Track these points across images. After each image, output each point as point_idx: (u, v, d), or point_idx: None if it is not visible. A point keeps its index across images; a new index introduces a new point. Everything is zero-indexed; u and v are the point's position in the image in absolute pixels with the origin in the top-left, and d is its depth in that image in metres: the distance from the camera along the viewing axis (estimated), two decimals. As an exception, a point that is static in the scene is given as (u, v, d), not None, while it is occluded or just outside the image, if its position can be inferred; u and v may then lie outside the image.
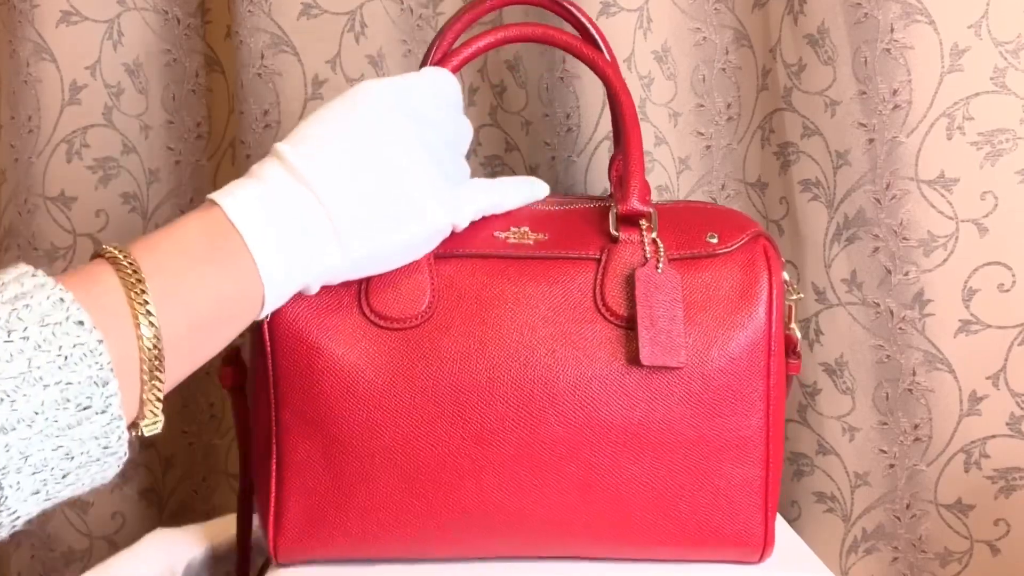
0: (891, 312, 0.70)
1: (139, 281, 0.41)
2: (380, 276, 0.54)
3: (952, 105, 0.67)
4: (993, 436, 0.69)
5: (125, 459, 0.40)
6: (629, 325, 0.54)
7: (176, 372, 0.44)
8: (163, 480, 0.86)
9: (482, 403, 0.54)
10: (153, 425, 0.42)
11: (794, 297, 0.58)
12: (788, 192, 0.75)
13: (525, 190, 0.60)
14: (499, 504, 0.55)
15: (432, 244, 0.53)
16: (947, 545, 0.71)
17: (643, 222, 0.57)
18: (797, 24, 0.72)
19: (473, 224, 0.57)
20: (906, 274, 0.70)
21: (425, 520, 0.55)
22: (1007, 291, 0.68)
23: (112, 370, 0.38)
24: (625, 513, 0.56)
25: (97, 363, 0.38)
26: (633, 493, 0.55)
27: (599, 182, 0.74)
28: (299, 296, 0.53)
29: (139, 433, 0.42)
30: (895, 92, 0.68)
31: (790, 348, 0.59)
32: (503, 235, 0.57)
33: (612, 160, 0.65)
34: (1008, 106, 0.67)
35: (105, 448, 0.39)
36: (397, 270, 0.54)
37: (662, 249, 0.56)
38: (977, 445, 0.70)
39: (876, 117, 0.69)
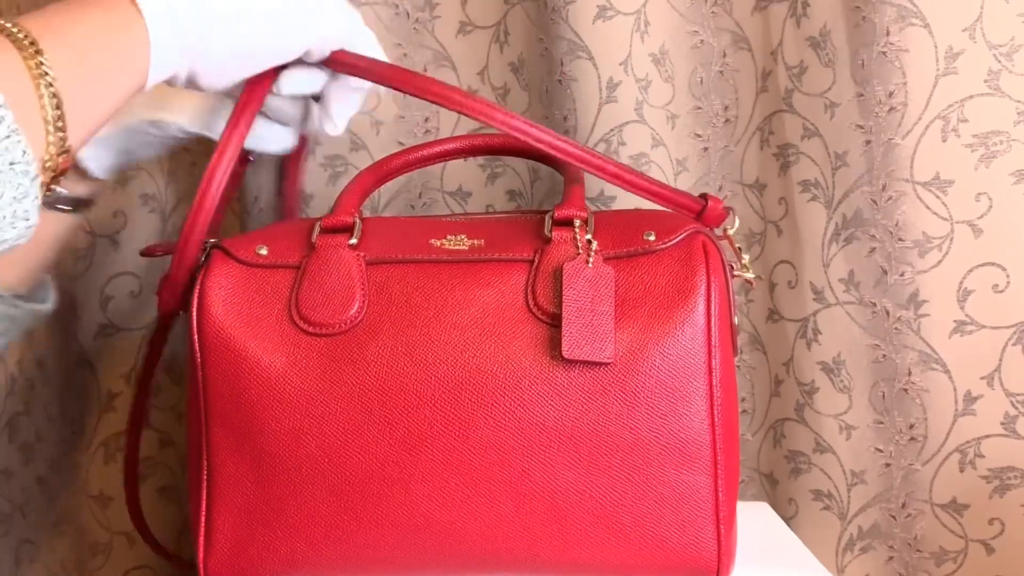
0: (887, 312, 0.71)
1: (32, 43, 0.43)
2: (311, 283, 0.55)
3: (947, 107, 0.67)
4: (988, 436, 0.70)
5: (38, 180, 0.41)
6: (560, 323, 0.53)
7: (76, 129, 0.44)
8: (182, 478, 0.88)
9: (409, 407, 0.52)
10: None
11: (748, 276, 0.60)
12: (788, 193, 0.76)
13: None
14: (430, 517, 0.53)
15: (324, 31, 0.56)
16: (942, 544, 0.71)
17: (577, 222, 0.56)
18: (800, 27, 0.73)
19: (407, 231, 0.57)
20: (902, 275, 0.70)
21: (355, 536, 0.54)
22: (1001, 292, 0.68)
23: (4, 105, 0.39)
24: (563, 524, 0.53)
25: None
26: (570, 502, 0.53)
27: (596, 184, 0.75)
28: (229, 304, 0.54)
29: (55, 185, 0.44)
30: (891, 94, 0.68)
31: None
32: (438, 242, 0.57)
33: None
34: (1002, 108, 0.67)
35: (11, 164, 0.39)
36: (329, 275, 0.55)
37: (595, 245, 0.55)
38: (972, 445, 0.70)
39: (872, 119, 0.69)
